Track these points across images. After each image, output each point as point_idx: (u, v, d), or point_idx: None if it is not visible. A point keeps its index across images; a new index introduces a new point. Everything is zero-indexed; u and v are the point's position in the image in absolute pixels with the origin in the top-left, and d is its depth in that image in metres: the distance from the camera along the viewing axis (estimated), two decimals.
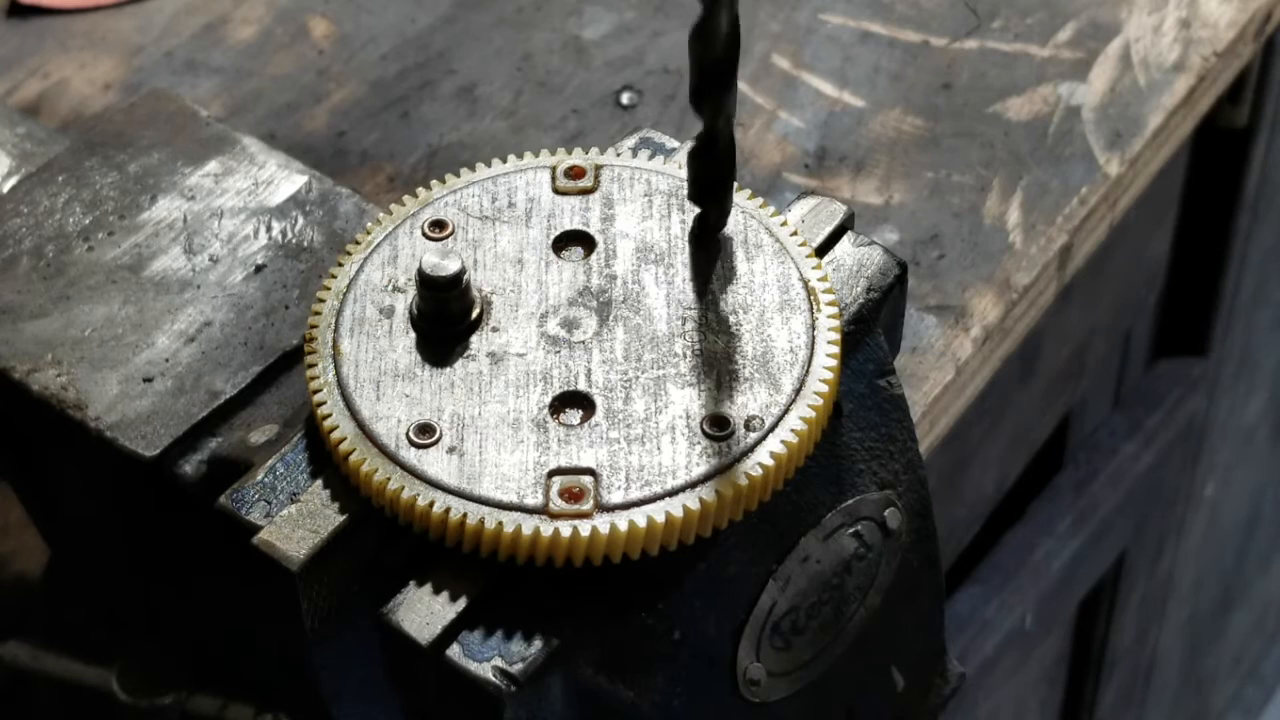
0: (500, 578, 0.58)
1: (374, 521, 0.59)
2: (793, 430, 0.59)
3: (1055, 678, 1.40)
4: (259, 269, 0.69)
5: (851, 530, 0.63)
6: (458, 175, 0.66)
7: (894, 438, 0.65)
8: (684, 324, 0.62)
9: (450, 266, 0.61)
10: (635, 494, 0.58)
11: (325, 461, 0.60)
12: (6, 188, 0.73)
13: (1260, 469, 1.70)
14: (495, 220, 0.65)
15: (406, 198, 0.65)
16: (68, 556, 0.77)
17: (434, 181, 0.66)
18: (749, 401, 0.60)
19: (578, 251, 0.64)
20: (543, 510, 0.57)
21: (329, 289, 0.63)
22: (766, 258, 0.63)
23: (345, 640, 0.61)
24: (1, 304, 0.68)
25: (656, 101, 0.92)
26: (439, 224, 0.64)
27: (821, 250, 0.65)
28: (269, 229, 0.70)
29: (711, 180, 0.62)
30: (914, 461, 0.66)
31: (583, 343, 0.61)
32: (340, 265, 0.64)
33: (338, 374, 0.61)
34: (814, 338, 0.61)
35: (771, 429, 0.59)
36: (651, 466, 0.58)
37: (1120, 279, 1.14)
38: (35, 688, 0.76)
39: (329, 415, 0.60)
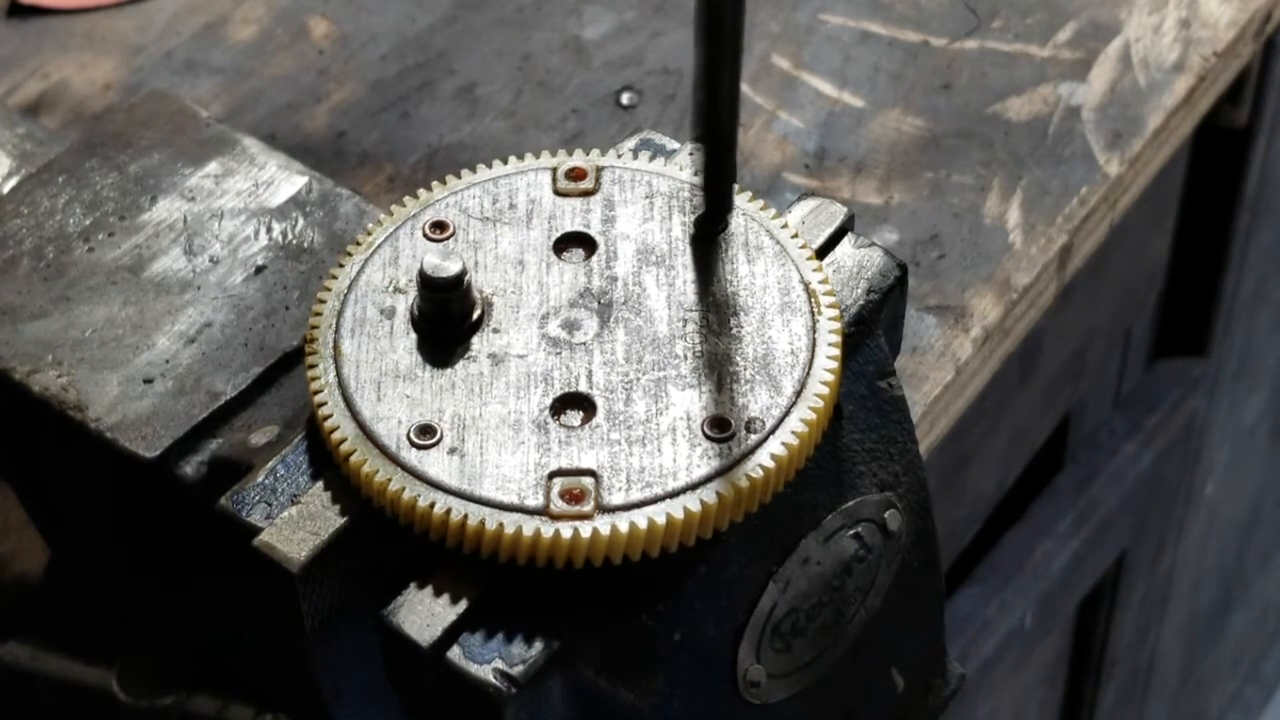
0: (501, 579, 0.58)
1: (375, 523, 0.59)
2: (793, 432, 0.59)
3: (1055, 678, 1.40)
4: (259, 270, 0.69)
5: (852, 532, 0.63)
6: (458, 176, 0.66)
7: (894, 439, 0.65)
8: (685, 326, 0.62)
9: (451, 268, 0.61)
10: (636, 495, 0.58)
11: (326, 463, 0.60)
12: (6, 188, 0.73)
13: (1260, 469, 1.70)
14: (496, 221, 0.65)
15: (407, 199, 0.65)
16: (68, 557, 0.77)
17: (435, 182, 0.66)
18: (750, 403, 0.59)
19: (579, 253, 0.64)
20: (543, 511, 0.57)
21: (329, 290, 0.63)
22: (767, 260, 0.63)
23: (345, 641, 0.61)
24: (2, 305, 0.68)
25: (656, 101, 0.92)
26: (440, 225, 0.64)
27: (822, 252, 0.65)
28: (269, 230, 0.70)
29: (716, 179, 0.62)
30: (914, 463, 0.66)
31: (584, 344, 0.61)
32: (341, 266, 0.64)
33: (338, 375, 0.61)
34: (814, 340, 0.61)
35: (772, 431, 0.59)
36: (652, 468, 0.58)
37: (1120, 279, 1.14)
38: (35, 688, 0.76)
39: (330, 416, 0.60)
